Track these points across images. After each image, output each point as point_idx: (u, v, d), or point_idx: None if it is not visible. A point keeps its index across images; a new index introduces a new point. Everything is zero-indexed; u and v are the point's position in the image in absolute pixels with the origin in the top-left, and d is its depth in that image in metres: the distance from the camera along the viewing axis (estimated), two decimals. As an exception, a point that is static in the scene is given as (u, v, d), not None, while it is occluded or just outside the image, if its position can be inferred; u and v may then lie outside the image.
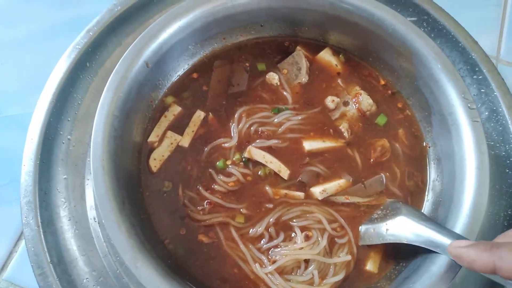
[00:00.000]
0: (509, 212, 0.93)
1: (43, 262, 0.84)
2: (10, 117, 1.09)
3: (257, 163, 0.92)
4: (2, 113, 1.09)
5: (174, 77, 0.99)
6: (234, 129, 0.95)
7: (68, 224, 0.88)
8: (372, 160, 0.95)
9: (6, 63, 1.15)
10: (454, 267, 0.73)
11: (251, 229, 0.87)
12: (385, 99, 1.01)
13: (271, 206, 0.89)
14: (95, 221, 0.87)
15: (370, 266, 0.86)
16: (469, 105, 0.85)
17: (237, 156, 0.92)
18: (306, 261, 0.85)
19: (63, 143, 0.94)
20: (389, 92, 1.01)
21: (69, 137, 0.95)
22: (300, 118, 0.97)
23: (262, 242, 0.86)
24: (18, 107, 1.09)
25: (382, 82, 1.02)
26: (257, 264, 0.84)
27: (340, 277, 0.84)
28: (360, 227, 0.89)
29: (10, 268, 0.95)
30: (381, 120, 0.98)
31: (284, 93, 1.00)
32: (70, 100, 0.97)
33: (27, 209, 0.87)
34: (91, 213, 0.88)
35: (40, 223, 0.86)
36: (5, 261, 0.96)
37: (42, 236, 0.85)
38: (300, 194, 0.90)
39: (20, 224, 0.97)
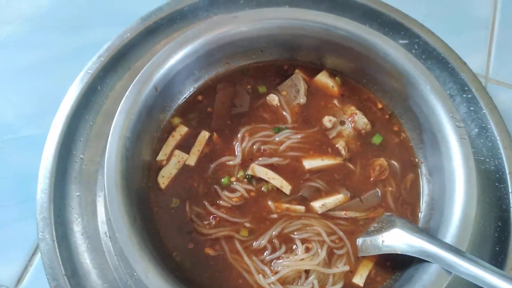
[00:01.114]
0: (499, 224, 0.96)
1: (58, 275, 0.87)
2: (26, 138, 1.14)
3: (260, 179, 0.97)
4: (19, 134, 1.14)
5: (181, 100, 1.05)
6: (237, 147, 1.00)
7: (81, 238, 0.92)
8: (372, 179, 1.00)
9: (22, 86, 1.21)
10: (445, 275, 0.78)
11: (254, 242, 0.92)
12: (381, 122, 1.06)
13: (275, 216, 0.94)
14: (107, 236, 0.91)
15: (357, 279, 0.90)
16: (457, 123, 0.91)
17: (241, 173, 0.97)
18: (307, 272, 0.89)
19: (76, 162, 0.99)
20: (386, 116, 1.06)
21: (81, 156, 0.99)
22: (299, 136, 1.02)
23: (265, 254, 0.91)
24: (33, 129, 1.15)
25: (379, 106, 1.07)
26: (260, 275, 0.88)
27: (338, 286, 0.88)
28: (357, 240, 0.93)
29: (26, 280, 0.99)
30: (376, 139, 1.04)
31: (284, 113, 1.06)
32: (82, 122, 1.02)
33: (43, 225, 0.91)
34: (103, 228, 0.92)
35: (55, 238, 0.90)
36: (21, 274, 1.00)
37: (57, 250, 0.89)
38: (301, 208, 0.95)
39: (35, 239, 1.02)
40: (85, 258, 0.91)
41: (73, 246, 0.91)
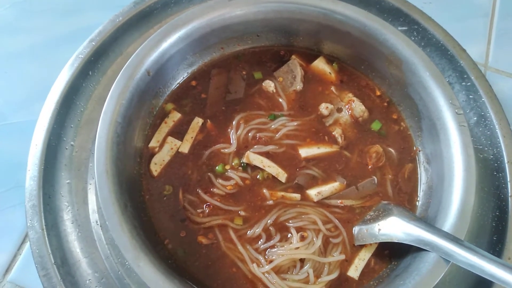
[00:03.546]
0: (497, 213, 0.95)
1: (47, 264, 0.86)
2: (15, 124, 1.12)
3: (255, 167, 0.95)
4: (7, 120, 1.12)
5: (174, 85, 1.03)
6: (233, 135, 0.98)
7: (71, 227, 0.91)
8: (370, 166, 0.98)
9: (11, 72, 1.19)
10: (443, 264, 0.77)
11: (249, 231, 0.90)
12: (380, 110, 1.04)
13: (271, 202, 0.92)
14: (97, 224, 0.90)
15: (352, 272, 0.89)
16: (456, 110, 0.89)
17: (235, 161, 0.95)
18: (302, 261, 0.88)
19: (66, 149, 0.97)
20: (385, 103, 1.04)
21: (72, 143, 0.98)
22: (295, 124, 1.00)
23: (259, 242, 0.89)
24: (22, 115, 1.13)
25: (378, 93, 1.05)
26: (254, 264, 0.87)
27: (334, 275, 0.87)
28: (353, 228, 0.92)
29: (14, 270, 0.98)
30: (376, 126, 1.02)
31: (280, 100, 1.03)
32: (73, 108, 1.00)
33: (32, 213, 0.89)
34: (93, 217, 0.91)
35: (44, 226, 0.89)
36: (9, 263, 0.98)
37: (47, 238, 0.88)
38: (297, 196, 0.93)
39: (24, 227, 1.00)
40: (75, 247, 0.89)
41: (63, 235, 0.90)
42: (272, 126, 1.00)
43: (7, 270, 0.98)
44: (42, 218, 0.89)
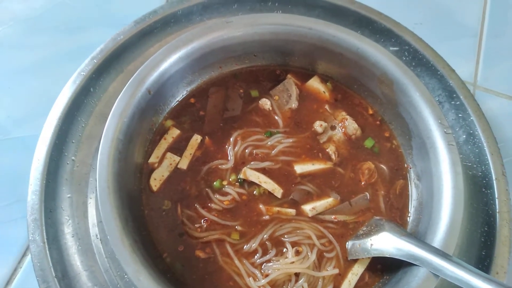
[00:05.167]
0: (486, 229, 0.98)
1: (48, 277, 0.87)
2: (18, 139, 1.14)
3: (252, 183, 0.98)
4: (10, 135, 1.14)
5: (174, 103, 1.06)
6: (230, 151, 1.01)
7: (71, 240, 0.92)
8: (363, 183, 1.01)
9: (15, 88, 1.21)
10: (432, 279, 0.79)
11: (245, 245, 0.93)
12: (372, 128, 1.07)
13: (267, 217, 0.95)
14: (97, 238, 0.91)
15: (345, 286, 0.90)
16: (445, 130, 0.92)
17: (233, 177, 0.98)
18: (297, 275, 0.90)
19: (68, 163, 0.99)
20: (377, 122, 1.08)
21: (73, 158, 0.99)
22: (291, 141, 1.03)
23: (255, 257, 0.92)
24: (25, 130, 1.15)
25: (370, 112, 1.09)
26: (250, 278, 0.89)
27: (328, 289, 0.90)
28: (347, 243, 0.94)
29: (15, 283, 0.99)
30: (368, 143, 1.05)
31: (276, 117, 1.07)
32: (74, 123, 1.02)
33: (34, 226, 0.91)
34: (93, 230, 0.92)
35: (45, 240, 0.90)
36: (10, 276, 0.99)
37: (48, 252, 0.89)
38: (292, 211, 0.96)
39: (24, 241, 1.02)
40: (76, 260, 0.90)
41: (64, 248, 0.91)
42: (268, 143, 1.03)
43: (8, 283, 0.99)
44: (44, 231, 0.91)
